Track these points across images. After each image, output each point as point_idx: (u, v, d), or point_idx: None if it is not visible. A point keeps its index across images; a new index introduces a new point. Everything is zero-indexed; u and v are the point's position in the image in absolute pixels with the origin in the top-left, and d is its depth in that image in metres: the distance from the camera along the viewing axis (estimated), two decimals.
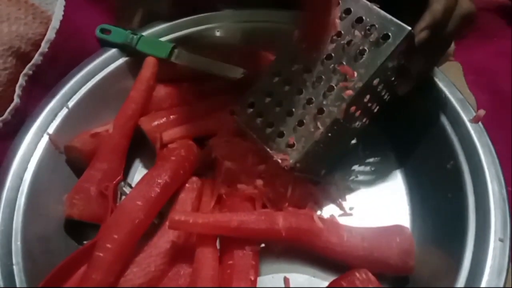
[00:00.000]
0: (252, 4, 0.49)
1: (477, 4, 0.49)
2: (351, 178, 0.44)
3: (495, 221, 0.33)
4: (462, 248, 0.33)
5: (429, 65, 0.38)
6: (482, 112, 0.38)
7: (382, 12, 0.35)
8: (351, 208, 0.42)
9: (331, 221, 0.39)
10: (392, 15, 0.35)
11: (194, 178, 0.42)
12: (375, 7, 0.35)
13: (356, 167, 0.44)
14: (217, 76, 0.44)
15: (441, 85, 0.41)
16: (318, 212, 0.41)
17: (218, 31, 0.49)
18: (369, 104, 0.38)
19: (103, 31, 0.48)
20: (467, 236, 0.34)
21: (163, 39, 0.48)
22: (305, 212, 0.38)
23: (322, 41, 0.36)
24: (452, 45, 0.50)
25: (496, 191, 0.35)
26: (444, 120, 0.39)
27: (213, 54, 0.46)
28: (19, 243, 0.37)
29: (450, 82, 0.41)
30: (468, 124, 0.38)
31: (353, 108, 0.36)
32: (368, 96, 0.37)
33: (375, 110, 0.40)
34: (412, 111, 0.42)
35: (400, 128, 0.43)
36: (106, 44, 0.47)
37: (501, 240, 0.32)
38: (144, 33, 0.48)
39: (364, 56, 0.35)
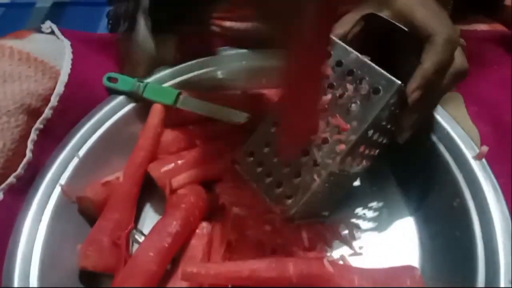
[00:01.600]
0: (253, 45, 0.50)
1: (474, 36, 0.51)
2: (359, 216, 0.44)
3: (505, 263, 0.33)
4: None
5: (423, 117, 0.38)
6: (485, 148, 0.38)
7: (372, 65, 0.35)
8: (360, 247, 0.42)
9: (342, 264, 0.39)
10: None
11: (204, 224, 0.43)
12: (366, 60, 0.35)
13: (363, 205, 0.45)
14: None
15: (442, 122, 0.41)
16: (328, 253, 0.42)
17: (220, 73, 0.51)
18: (366, 152, 0.38)
19: (110, 79, 0.49)
20: (477, 278, 0.34)
21: (167, 84, 0.49)
22: (315, 256, 0.38)
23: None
24: None
25: (503, 230, 0.35)
26: (447, 157, 0.40)
27: (217, 96, 0.48)
28: None
29: (451, 118, 0.41)
30: (472, 161, 0.38)
31: (349, 159, 0.36)
32: (363, 146, 0.37)
33: (375, 154, 0.40)
34: (415, 149, 0.42)
35: (405, 166, 0.44)
36: (114, 92, 0.49)
37: (511, 282, 0.32)
38: (149, 79, 0.49)
39: (356, 109, 0.35)
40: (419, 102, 0.34)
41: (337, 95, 0.36)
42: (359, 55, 0.36)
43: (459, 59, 0.36)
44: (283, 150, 0.37)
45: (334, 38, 0.36)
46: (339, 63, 0.36)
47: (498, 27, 0.51)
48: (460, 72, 0.36)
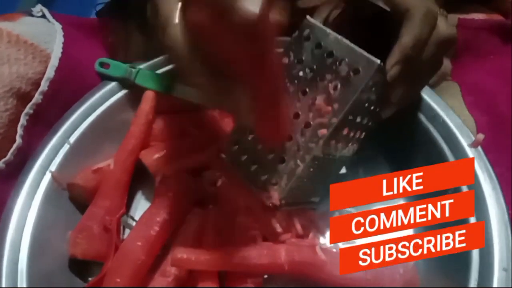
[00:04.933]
0: None
1: (472, 25, 0.50)
2: None
3: (499, 250, 0.33)
4: (466, 278, 0.33)
5: (411, 92, 0.37)
6: (481, 136, 0.38)
7: (351, 45, 0.34)
8: None
9: (334, 251, 0.38)
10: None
11: (196, 209, 0.42)
12: (345, 41, 0.34)
13: None
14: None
15: (438, 109, 0.41)
16: (322, 240, 0.41)
17: None
18: (351, 134, 0.38)
19: (102, 64, 0.48)
20: (471, 266, 0.34)
21: (161, 70, 0.49)
22: (308, 243, 0.38)
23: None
24: (449, 64, 0.50)
25: (498, 218, 0.35)
26: (443, 145, 0.39)
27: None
28: (24, 284, 0.37)
29: (447, 106, 0.41)
30: (467, 149, 0.38)
31: (333, 142, 0.36)
32: (347, 129, 0.36)
33: (361, 136, 0.39)
34: (411, 137, 0.42)
35: (400, 153, 0.43)
36: (106, 78, 0.48)
37: (505, 270, 0.32)
38: (142, 66, 0.48)
39: (336, 91, 0.34)
40: (401, 77, 0.34)
41: (318, 78, 0.35)
42: (338, 36, 0.35)
43: (443, 27, 0.35)
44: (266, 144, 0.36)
45: (312, 20, 0.35)
46: (318, 45, 0.35)
47: (496, 17, 0.51)
48: (445, 40, 0.35)
